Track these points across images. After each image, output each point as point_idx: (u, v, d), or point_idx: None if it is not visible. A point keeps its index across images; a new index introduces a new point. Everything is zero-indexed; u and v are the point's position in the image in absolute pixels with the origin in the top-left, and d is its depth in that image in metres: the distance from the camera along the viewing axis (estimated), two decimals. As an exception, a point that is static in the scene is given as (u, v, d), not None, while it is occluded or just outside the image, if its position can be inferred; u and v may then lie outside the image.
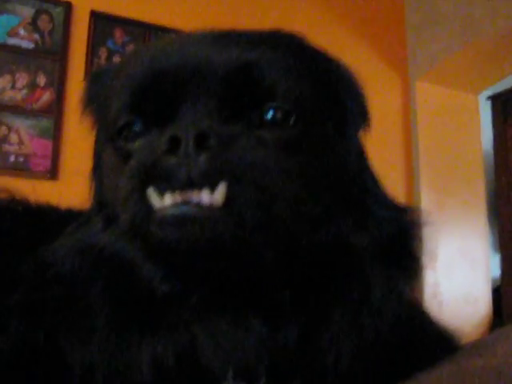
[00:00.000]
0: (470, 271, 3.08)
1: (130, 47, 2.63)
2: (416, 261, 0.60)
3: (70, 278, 0.56)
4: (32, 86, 2.42)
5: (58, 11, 2.52)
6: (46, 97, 2.44)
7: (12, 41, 2.43)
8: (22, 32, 2.45)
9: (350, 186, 0.59)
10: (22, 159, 2.36)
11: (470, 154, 3.25)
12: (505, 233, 3.27)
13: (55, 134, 2.41)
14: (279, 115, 0.53)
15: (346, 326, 0.53)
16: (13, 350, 0.54)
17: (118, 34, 2.62)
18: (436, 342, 0.60)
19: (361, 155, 0.64)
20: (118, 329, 0.53)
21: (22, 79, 2.41)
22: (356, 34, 3.13)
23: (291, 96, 0.54)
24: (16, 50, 2.43)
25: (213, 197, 0.46)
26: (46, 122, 2.42)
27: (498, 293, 3.24)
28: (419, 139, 3.14)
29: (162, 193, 0.47)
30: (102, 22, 2.59)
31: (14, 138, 2.36)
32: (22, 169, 2.35)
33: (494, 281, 3.26)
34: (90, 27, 2.56)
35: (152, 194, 0.48)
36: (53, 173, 2.38)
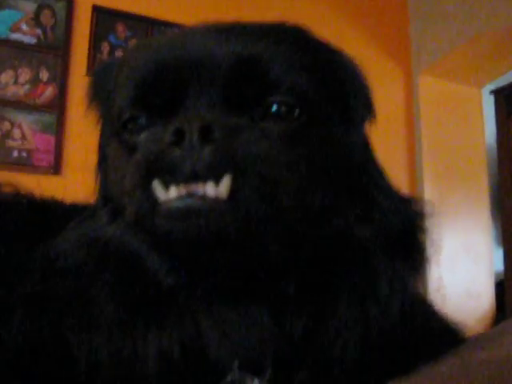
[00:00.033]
0: (472, 265, 3.08)
1: (133, 42, 2.62)
2: (421, 252, 0.60)
3: (75, 270, 0.56)
4: (34, 81, 2.42)
5: (60, 6, 2.51)
6: (49, 92, 2.44)
7: (14, 36, 2.43)
8: (24, 27, 2.45)
9: (354, 178, 0.59)
10: (24, 154, 2.37)
11: (472, 147, 3.24)
12: (508, 227, 3.26)
13: (58, 129, 2.41)
14: (284, 108, 0.53)
15: (351, 317, 0.53)
16: (18, 342, 0.54)
17: (121, 28, 2.62)
18: (441, 335, 0.60)
19: (366, 147, 0.64)
20: (123, 321, 0.53)
21: (25, 74, 2.41)
22: (359, 27, 3.11)
23: (296, 89, 0.54)
24: (18, 45, 2.42)
25: (218, 189, 0.46)
26: (48, 117, 2.42)
27: (501, 287, 3.23)
28: (422, 133, 3.13)
29: (166, 185, 0.47)
30: (104, 17, 2.59)
31: (16, 133, 2.36)
32: (24, 164, 2.36)
33: (497, 275, 3.25)
34: (92, 22, 2.56)
35: (157, 187, 0.48)
36: (56, 168, 2.39)
